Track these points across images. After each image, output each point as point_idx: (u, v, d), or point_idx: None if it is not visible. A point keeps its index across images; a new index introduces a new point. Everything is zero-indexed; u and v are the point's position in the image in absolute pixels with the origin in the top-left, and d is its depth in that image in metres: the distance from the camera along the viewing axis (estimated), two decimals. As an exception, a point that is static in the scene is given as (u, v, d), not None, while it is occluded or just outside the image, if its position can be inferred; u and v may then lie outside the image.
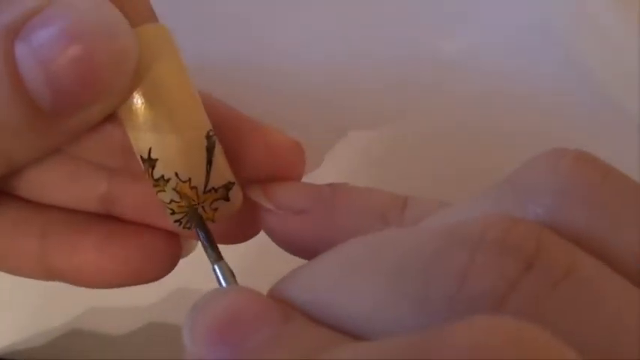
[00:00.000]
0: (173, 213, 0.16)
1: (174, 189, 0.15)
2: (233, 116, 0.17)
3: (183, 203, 0.16)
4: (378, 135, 0.26)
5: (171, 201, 0.16)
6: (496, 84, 0.26)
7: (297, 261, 0.16)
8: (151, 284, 0.25)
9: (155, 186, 0.15)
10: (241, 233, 0.19)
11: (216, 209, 0.16)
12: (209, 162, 0.15)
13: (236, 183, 0.16)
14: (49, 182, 0.18)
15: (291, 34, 0.26)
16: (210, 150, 0.15)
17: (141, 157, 0.15)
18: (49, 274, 0.18)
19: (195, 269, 0.25)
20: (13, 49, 0.13)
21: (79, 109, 0.14)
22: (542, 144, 0.26)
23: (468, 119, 0.26)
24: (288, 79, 0.25)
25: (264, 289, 0.13)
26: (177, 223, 0.16)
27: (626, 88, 0.26)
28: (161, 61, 0.15)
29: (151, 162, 0.15)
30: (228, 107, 0.17)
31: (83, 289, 0.25)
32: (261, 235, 0.18)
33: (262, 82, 0.25)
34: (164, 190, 0.15)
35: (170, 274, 0.25)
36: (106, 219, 0.18)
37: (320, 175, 0.25)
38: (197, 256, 0.25)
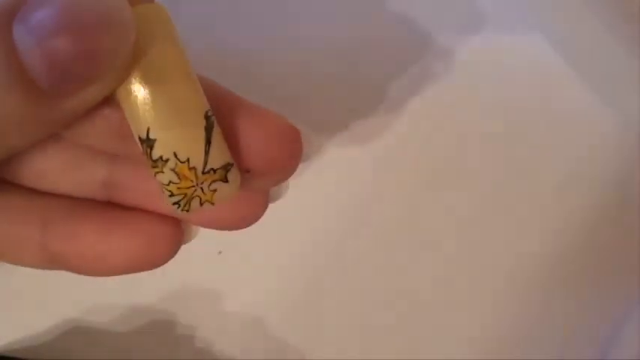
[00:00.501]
0: (171, 195, 0.16)
1: (173, 170, 0.15)
2: (230, 99, 0.17)
3: (182, 185, 0.16)
4: (378, 125, 0.26)
5: (170, 182, 0.15)
6: (495, 83, 0.26)
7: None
8: (153, 282, 0.25)
9: (153, 167, 0.15)
10: (241, 219, 0.18)
11: (214, 191, 0.16)
12: (208, 142, 0.15)
13: (234, 165, 0.16)
14: (49, 169, 0.18)
15: (292, 22, 0.26)
16: (208, 130, 0.15)
17: (139, 137, 0.15)
18: (51, 262, 0.18)
19: (197, 268, 0.26)
20: (10, 29, 0.13)
21: (78, 89, 0.14)
22: (542, 142, 0.26)
23: (467, 116, 0.26)
24: (290, 67, 0.25)
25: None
26: (176, 206, 0.16)
27: (626, 89, 0.26)
28: (159, 41, 0.15)
29: (149, 142, 0.15)
30: (225, 89, 0.17)
31: (84, 287, 0.25)
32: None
33: (262, 71, 0.25)
34: (162, 172, 0.15)
35: (173, 272, 0.25)
36: (108, 205, 0.18)
37: (317, 163, 0.25)
38: (200, 254, 0.25)
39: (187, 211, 0.16)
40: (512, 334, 0.26)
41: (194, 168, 0.15)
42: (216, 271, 0.26)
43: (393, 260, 0.26)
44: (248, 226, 0.19)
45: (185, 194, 0.16)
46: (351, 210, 0.26)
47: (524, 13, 0.26)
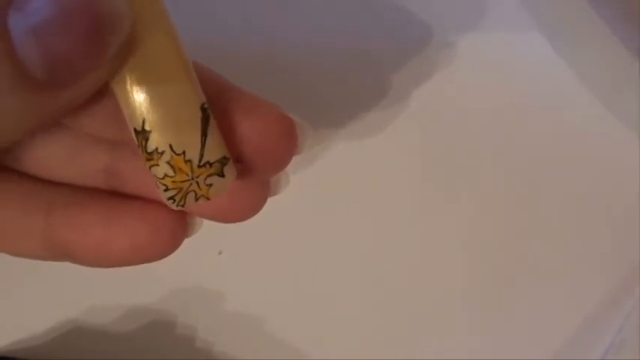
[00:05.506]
0: (167, 189, 0.16)
1: (169, 162, 0.15)
2: (222, 86, 0.16)
3: (177, 178, 0.15)
4: (379, 121, 0.26)
5: (165, 176, 0.15)
6: (495, 82, 0.26)
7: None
8: (153, 282, 0.25)
9: (148, 160, 0.15)
10: (240, 211, 0.18)
11: (210, 185, 0.16)
12: (204, 134, 0.15)
13: (230, 159, 0.16)
14: (51, 157, 0.17)
15: (293, 16, 0.26)
16: (205, 122, 0.15)
17: (134, 129, 0.15)
18: (53, 252, 0.18)
19: (197, 268, 0.25)
20: (6, 18, 0.13)
21: (75, 79, 0.14)
22: (540, 140, 0.26)
23: (467, 113, 0.26)
24: (292, 62, 0.25)
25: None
26: (171, 201, 0.16)
27: (626, 89, 0.26)
28: (155, 31, 0.14)
29: (144, 134, 0.15)
30: (218, 76, 0.17)
31: (84, 287, 0.25)
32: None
33: (264, 61, 0.25)
34: (157, 165, 0.15)
35: (173, 272, 0.25)
36: (111, 194, 0.18)
37: (318, 161, 0.25)
38: (200, 254, 0.25)
39: (183, 206, 0.16)
40: (513, 334, 0.26)
41: (190, 161, 0.15)
42: (216, 271, 0.26)
43: (396, 259, 0.26)
44: (248, 218, 0.18)
45: (180, 188, 0.16)
46: (352, 209, 0.26)
47: (524, 13, 0.26)
